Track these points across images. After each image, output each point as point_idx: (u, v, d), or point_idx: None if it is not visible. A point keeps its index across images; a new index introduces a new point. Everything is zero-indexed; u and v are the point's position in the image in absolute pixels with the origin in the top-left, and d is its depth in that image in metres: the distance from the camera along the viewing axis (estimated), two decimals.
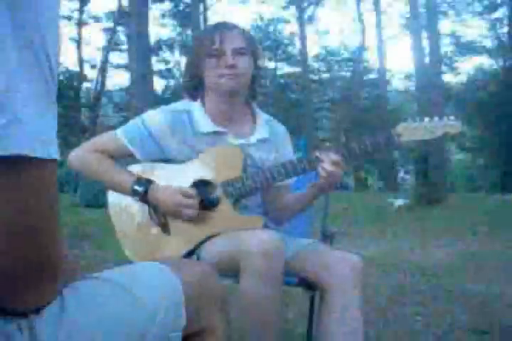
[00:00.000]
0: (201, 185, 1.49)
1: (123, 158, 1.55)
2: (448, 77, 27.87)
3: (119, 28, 25.22)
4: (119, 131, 1.52)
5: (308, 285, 1.45)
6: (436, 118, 1.41)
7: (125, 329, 0.65)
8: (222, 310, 0.81)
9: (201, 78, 1.52)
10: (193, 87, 1.55)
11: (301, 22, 23.68)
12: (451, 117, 1.42)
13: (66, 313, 0.61)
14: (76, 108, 25.55)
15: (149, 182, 1.45)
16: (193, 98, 1.56)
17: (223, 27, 1.49)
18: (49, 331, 0.59)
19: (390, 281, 3.18)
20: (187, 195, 1.43)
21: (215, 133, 1.52)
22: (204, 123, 1.51)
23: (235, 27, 1.51)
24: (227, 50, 1.45)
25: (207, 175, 1.49)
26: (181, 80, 1.64)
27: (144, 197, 1.44)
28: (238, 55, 1.46)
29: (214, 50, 1.45)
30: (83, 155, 1.52)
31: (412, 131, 1.41)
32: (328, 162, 1.39)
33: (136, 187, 1.44)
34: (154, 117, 1.51)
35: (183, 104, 1.56)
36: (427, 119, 1.42)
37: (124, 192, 1.48)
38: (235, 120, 1.56)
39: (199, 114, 1.52)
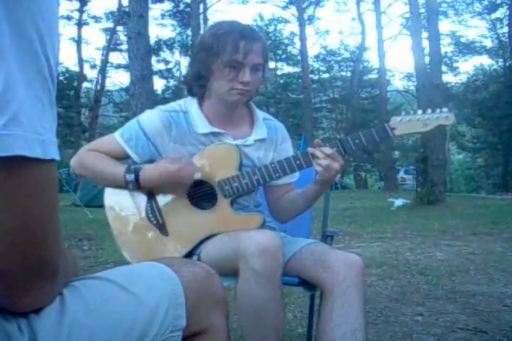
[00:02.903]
0: (198, 184, 1.49)
1: (121, 159, 1.55)
2: (448, 77, 27.92)
3: (119, 28, 25.25)
4: (117, 133, 1.53)
5: (309, 285, 1.45)
6: (429, 111, 1.41)
7: (125, 329, 0.65)
8: (223, 311, 0.81)
9: (208, 80, 1.49)
10: (197, 85, 1.52)
11: (301, 22, 23.68)
12: (445, 109, 1.41)
13: (66, 313, 0.61)
14: (76, 108, 25.54)
15: (138, 168, 1.44)
16: (194, 95, 1.55)
17: (250, 37, 1.43)
18: (49, 331, 0.59)
19: (390, 281, 3.18)
20: (176, 160, 1.43)
21: (213, 134, 1.51)
22: (201, 124, 1.51)
23: (259, 39, 1.46)
24: (246, 65, 1.42)
25: (203, 174, 1.48)
26: (184, 74, 1.57)
27: (137, 184, 1.43)
28: (254, 70, 1.45)
29: (235, 62, 1.42)
30: (81, 155, 1.53)
31: (406, 124, 1.41)
32: (322, 156, 1.39)
33: (127, 176, 1.43)
34: (150, 117, 1.51)
35: (180, 104, 1.55)
36: (420, 112, 1.42)
37: (119, 184, 1.47)
38: (232, 121, 1.56)
39: (196, 115, 1.52)
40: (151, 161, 1.52)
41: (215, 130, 1.51)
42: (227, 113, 1.54)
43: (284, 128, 1.67)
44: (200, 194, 1.50)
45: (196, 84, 1.52)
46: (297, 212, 1.59)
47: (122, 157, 1.53)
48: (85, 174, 1.54)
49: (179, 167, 1.41)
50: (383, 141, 1.43)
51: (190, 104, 1.55)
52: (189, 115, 1.52)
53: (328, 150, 1.38)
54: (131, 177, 1.43)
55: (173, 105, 1.55)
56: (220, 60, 1.42)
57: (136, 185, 1.44)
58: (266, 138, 1.58)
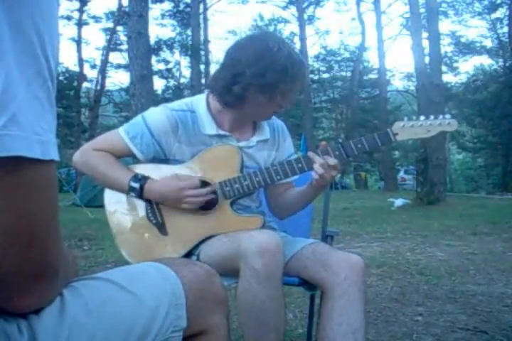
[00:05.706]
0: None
1: (125, 156, 1.54)
2: (448, 77, 27.93)
3: (119, 28, 25.23)
4: (121, 129, 1.51)
5: (309, 285, 1.45)
6: (432, 117, 1.41)
7: (125, 330, 0.65)
8: (223, 311, 0.81)
9: (244, 96, 1.43)
10: (233, 100, 1.44)
11: (301, 22, 23.70)
12: (447, 115, 1.42)
13: (66, 313, 0.61)
14: (76, 108, 25.52)
15: (145, 178, 1.45)
16: (230, 106, 1.47)
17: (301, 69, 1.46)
18: (49, 332, 0.58)
19: (390, 281, 3.18)
20: (185, 178, 1.43)
21: (218, 136, 1.51)
22: (208, 125, 1.50)
23: None
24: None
25: (204, 175, 1.48)
26: (215, 74, 1.49)
27: (140, 194, 1.44)
28: None
29: (289, 89, 1.45)
30: (85, 153, 1.51)
31: (408, 129, 1.41)
32: (319, 164, 1.38)
33: (132, 184, 1.43)
34: (156, 116, 1.49)
35: (187, 103, 1.54)
36: (422, 118, 1.42)
37: (121, 189, 1.47)
38: (237, 124, 1.55)
39: (204, 116, 1.51)
40: (153, 161, 1.52)
41: (221, 132, 1.51)
42: (239, 120, 1.54)
43: (284, 125, 1.68)
44: None
45: (232, 99, 1.44)
46: (296, 210, 1.60)
47: (126, 154, 1.52)
48: (88, 173, 1.53)
49: (187, 184, 1.41)
50: (385, 146, 1.43)
51: (197, 103, 1.53)
52: (196, 115, 1.51)
53: (331, 160, 1.38)
54: (136, 185, 1.43)
55: (180, 104, 1.53)
56: (287, 87, 1.43)
57: (139, 193, 1.44)
58: (269, 139, 1.59)
